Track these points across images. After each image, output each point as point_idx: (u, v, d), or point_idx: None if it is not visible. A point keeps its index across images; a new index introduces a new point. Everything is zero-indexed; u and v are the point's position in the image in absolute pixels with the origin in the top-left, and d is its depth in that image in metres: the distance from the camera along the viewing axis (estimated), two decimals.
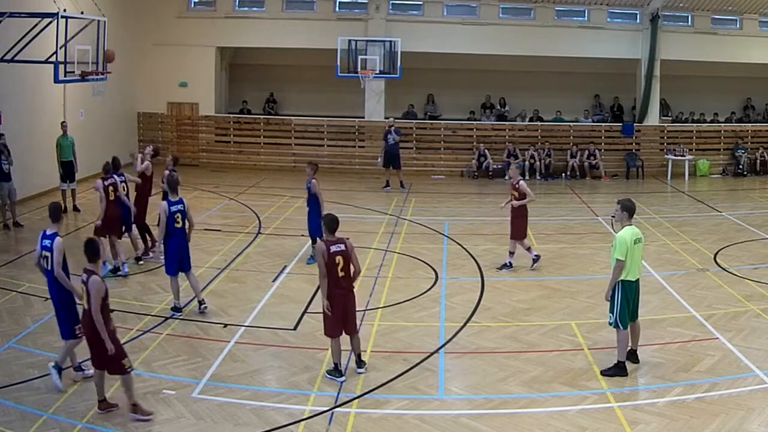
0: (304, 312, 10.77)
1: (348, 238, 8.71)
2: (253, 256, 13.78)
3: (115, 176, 12.59)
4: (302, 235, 15.24)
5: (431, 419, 7.65)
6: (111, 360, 7.46)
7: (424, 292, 11.76)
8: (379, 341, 9.73)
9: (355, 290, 8.73)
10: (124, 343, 9.39)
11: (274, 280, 12.35)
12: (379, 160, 21.86)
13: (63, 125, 17.67)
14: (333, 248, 8.42)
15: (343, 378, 8.48)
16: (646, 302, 11.37)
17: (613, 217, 8.89)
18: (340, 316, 8.51)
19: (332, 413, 7.75)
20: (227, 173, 23.68)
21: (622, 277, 8.54)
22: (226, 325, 10.18)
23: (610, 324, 8.72)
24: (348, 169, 24.44)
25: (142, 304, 10.86)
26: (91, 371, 7.95)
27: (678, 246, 14.62)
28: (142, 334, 9.73)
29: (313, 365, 8.92)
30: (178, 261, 10.53)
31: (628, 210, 8.67)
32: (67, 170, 17.26)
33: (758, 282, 12.17)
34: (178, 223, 10.43)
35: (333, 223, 8.57)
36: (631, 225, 8.66)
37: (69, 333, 8.21)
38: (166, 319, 10.33)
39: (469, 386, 8.46)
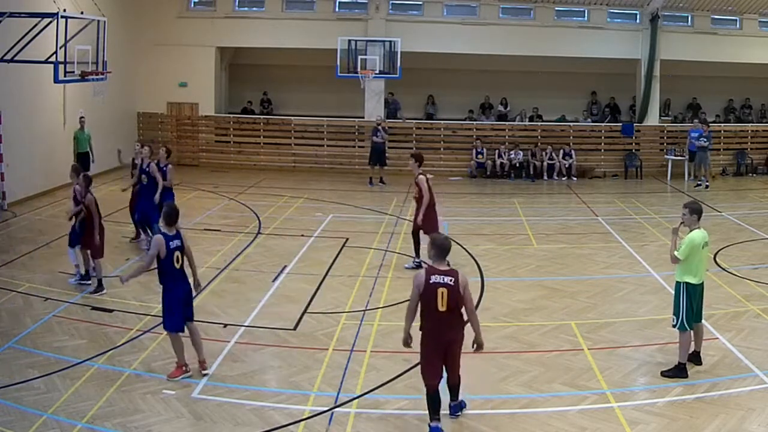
0: (304, 312, 10.77)
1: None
2: (252, 256, 13.77)
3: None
4: (302, 235, 15.27)
5: None
6: None
7: None
8: (379, 341, 9.72)
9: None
10: (124, 343, 9.45)
11: (274, 280, 12.34)
12: None
13: (81, 120, 19.02)
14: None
15: None
16: (646, 302, 11.42)
17: (682, 223, 8.85)
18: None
19: (332, 413, 7.75)
20: (227, 173, 23.67)
21: (686, 280, 8.56)
22: (226, 325, 10.17)
23: (674, 326, 8.69)
24: (348, 169, 24.44)
25: (142, 304, 10.85)
26: None
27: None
28: (142, 334, 9.71)
29: (313, 365, 8.92)
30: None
31: (698, 213, 8.65)
32: (83, 161, 18.12)
33: (758, 282, 12.17)
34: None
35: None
36: (699, 228, 8.63)
37: None
38: None
39: (468, 386, 8.44)
